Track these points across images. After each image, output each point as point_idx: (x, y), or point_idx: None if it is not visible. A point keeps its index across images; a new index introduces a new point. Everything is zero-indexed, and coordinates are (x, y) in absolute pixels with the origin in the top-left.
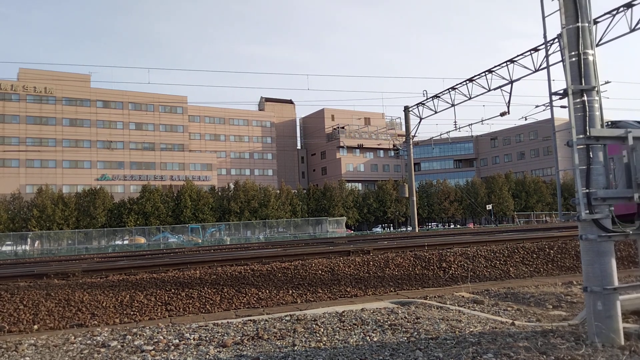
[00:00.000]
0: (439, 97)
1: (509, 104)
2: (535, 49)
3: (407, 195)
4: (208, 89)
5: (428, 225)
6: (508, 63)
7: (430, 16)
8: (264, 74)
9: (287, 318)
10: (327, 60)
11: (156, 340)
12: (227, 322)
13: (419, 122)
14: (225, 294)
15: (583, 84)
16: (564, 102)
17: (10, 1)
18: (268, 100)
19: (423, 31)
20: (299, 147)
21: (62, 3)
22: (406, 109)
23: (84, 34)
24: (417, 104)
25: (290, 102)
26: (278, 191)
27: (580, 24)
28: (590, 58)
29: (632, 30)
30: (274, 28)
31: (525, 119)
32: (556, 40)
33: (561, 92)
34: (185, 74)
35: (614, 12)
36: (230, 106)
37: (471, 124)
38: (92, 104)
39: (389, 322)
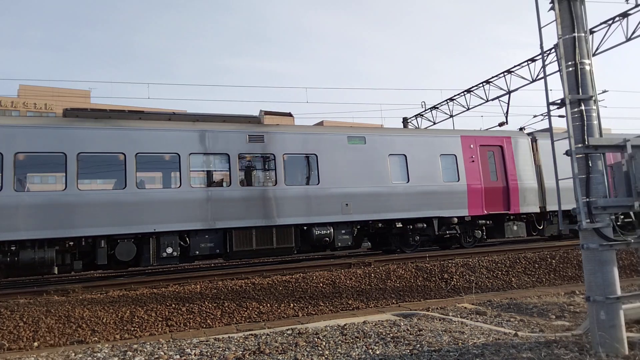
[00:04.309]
0: (437, 108)
1: (507, 114)
2: (533, 59)
3: None
4: (207, 103)
5: None
6: (505, 74)
7: (428, 28)
8: (263, 87)
9: (288, 332)
10: (325, 73)
11: (157, 356)
12: (229, 336)
13: None
14: (226, 308)
15: (580, 94)
16: (562, 111)
17: (8, 19)
18: (267, 113)
19: (421, 43)
20: None
21: (61, 20)
22: (405, 121)
23: (84, 50)
24: (415, 115)
25: (290, 114)
26: None
27: (576, 34)
28: (587, 67)
29: (629, 39)
30: (273, 42)
31: (524, 129)
32: (553, 50)
33: (559, 101)
34: (184, 88)
35: (610, 22)
36: None
37: None
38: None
39: (391, 335)
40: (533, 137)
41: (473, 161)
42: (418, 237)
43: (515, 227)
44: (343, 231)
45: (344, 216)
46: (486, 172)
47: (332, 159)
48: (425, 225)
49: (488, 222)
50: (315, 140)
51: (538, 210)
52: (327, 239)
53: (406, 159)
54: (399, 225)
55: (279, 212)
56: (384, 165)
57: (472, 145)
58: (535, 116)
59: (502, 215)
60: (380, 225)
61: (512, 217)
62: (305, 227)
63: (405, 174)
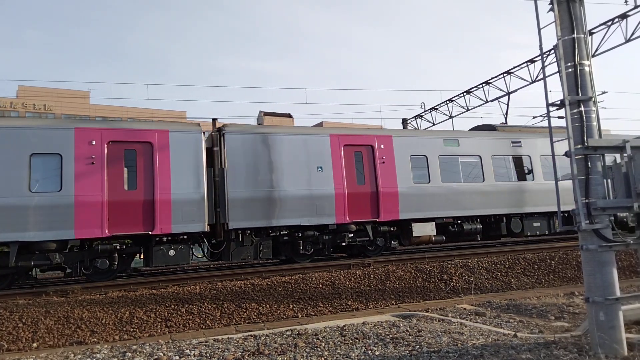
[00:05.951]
0: (436, 109)
1: (506, 115)
2: (532, 60)
3: None
4: (207, 104)
5: None
6: (505, 75)
7: (428, 30)
8: (262, 88)
9: (288, 333)
10: (325, 74)
11: (156, 357)
12: (228, 337)
13: None
14: (226, 309)
15: (580, 95)
16: (562, 112)
17: (7, 20)
18: (267, 114)
19: (421, 45)
20: None
21: (61, 21)
22: (404, 121)
23: (83, 51)
24: (415, 116)
25: (289, 115)
26: None
27: (575, 35)
28: (587, 69)
29: (628, 40)
30: (273, 44)
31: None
32: (552, 51)
33: (558, 102)
34: (184, 90)
35: (609, 23)
36: (230, 120)
37: None
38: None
39: (390, 336)
40: (220, 132)
41: (93, 163)
42: None
43: (171, 252)
44: None
45: None
46: (116, 179)
47: None
48: None
49: (119, 247)
50: None
51: (203, 229)
52: None
53: None
54: None
55: None
56: None
57: (94, 142)
58: (534, 117)
59: (147, 236)
60: None
61: (167, 238)
62: None
63: None
